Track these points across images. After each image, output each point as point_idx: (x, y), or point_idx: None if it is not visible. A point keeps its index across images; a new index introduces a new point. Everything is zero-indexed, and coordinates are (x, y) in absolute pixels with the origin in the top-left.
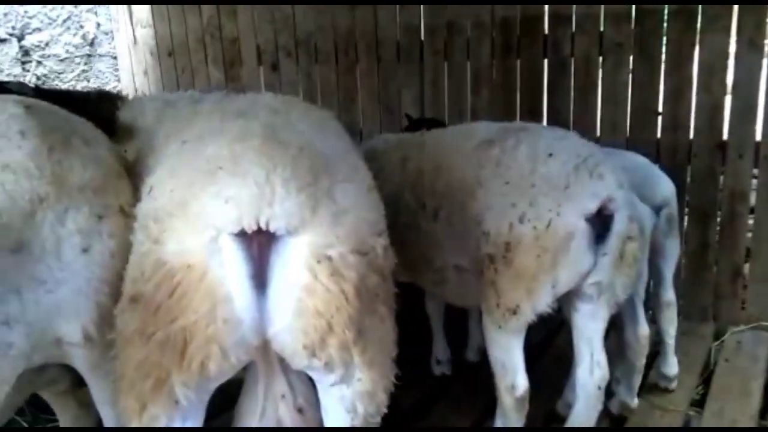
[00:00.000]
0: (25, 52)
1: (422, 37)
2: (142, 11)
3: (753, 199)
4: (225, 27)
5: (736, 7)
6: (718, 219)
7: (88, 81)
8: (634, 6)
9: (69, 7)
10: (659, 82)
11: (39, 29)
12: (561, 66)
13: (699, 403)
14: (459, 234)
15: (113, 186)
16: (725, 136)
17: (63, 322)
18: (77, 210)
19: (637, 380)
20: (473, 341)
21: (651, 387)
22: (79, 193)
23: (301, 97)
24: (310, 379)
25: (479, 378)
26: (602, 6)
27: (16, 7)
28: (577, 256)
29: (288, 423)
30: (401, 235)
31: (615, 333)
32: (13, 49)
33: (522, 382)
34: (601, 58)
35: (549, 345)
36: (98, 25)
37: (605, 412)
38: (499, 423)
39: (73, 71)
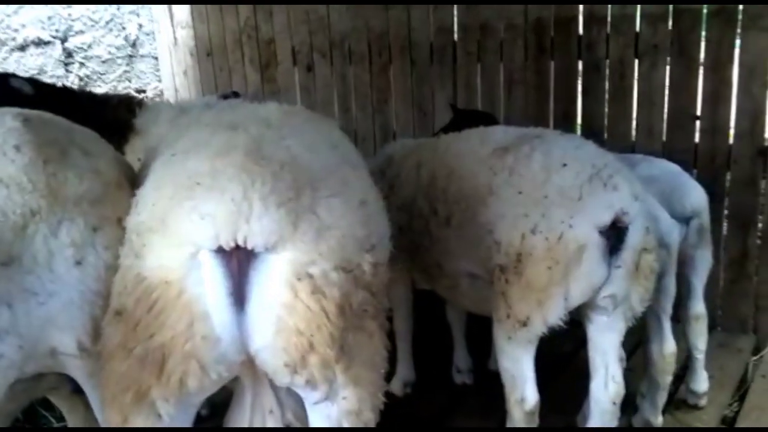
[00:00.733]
0: (69, 54)
1: (455, 39)
2: (183, 12)
3: None
4: (261, 28)
5: None
6: (759, 227)
7: (130, 81)
8: (671, 6)
9: (111, 9)
10: (697, 84)
11: (82, 31)
12: (595, 68)
13: (731, 422)
14: (471, 242)
15: (111, 197)
16: (767, 142)
17: (57, 333)
18: (71, 222)
19: (662, 398)
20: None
21: (680, 403)
22: (74, 206)
23: (335, 99)
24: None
25: (500, 388)
26: (638, 6)
27: (59, 9)
28: (590, 268)
29: None
30: (415, 241)
31: (643, 348)
32: (56, 51)
33: (532, 396)
34: (636, 60)
35: (575, 356)
36: (140, 26)
37: (628, 428)
38: None
39: (114, 72)
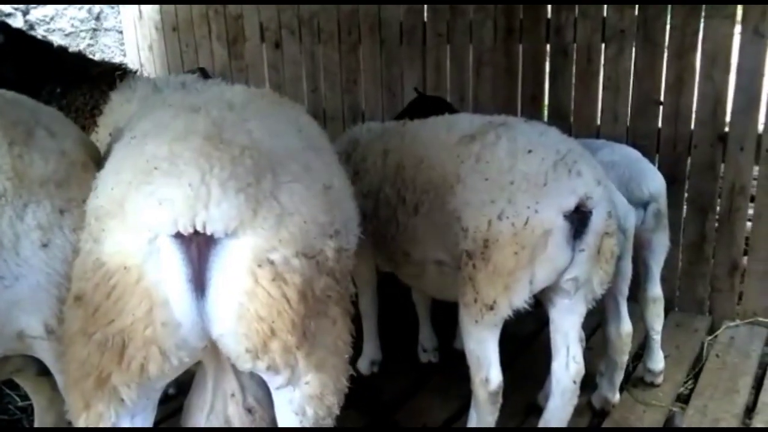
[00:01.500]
0: (30, 26)
1: (425, 19)
2: None
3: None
4: (228, 3)
5: None
6: (717, 212)
7: (94, 56)
8: None
9: None
10: (661, 70)
11: (44, 3)
12: (563, 52)
13: (686, 399)
14: (439, 229)
15: (78, 179)
16: (727, 128)
17: (23, 316)
18: (37, 205)
19: (619, 376)
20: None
21: (637, 381)
22: (40, 188)
23: (304, 77)
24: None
25: (465, 367)
26: None
27: None
28: (555, 252)
29: (236, 422)
30: (381, 228)
31: (602, 329)
32: (18, 22)
33: (495, 377)
34: (603, 45)
35: (537, 337)
36: None
37: (587, 406)
38: (473, 416)
39: (78, 45)
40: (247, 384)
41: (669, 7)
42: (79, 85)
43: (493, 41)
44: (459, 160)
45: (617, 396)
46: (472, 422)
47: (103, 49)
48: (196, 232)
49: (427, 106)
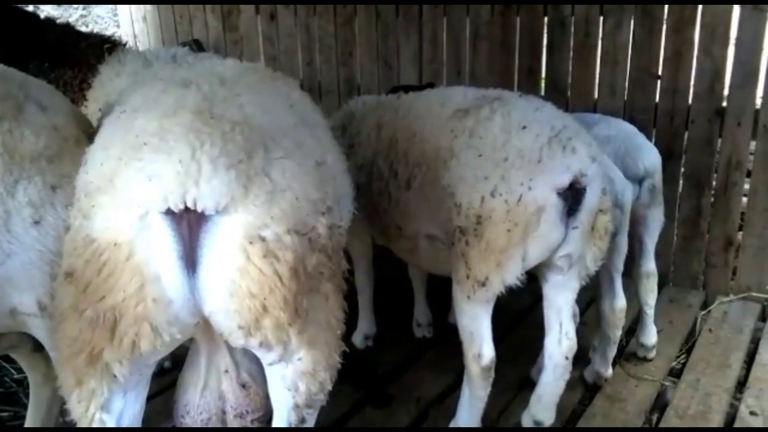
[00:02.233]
0: None
1: None
2: None
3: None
4: None
5: None
6: (713, 187)
7: (87, 26)
8: None
9: None
10: (660, 44)
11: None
12: (561, 25)
13: (678, 373)
14: (431, 204)
15: (70, 155)
16: (725, 103)
17: (16, 293)
18: (29, 181)
19: (612, 351)
20: None
21: (629, 355)
22: (31, 164)
23: (299, 49)
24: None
25: (459, 341)
26: None
27: None
28: (548, 229)
29: (230, 397)
30: (374, 201)
31: (596, 304)
32: None
33: (488, 352)
34: (601, 18)
35: (531, 312)
36: None
37: (579, 380)
38: (465, 390)
39: (71, 16)
40: (241, 360)
41: None
42: (67, 59)
43: (491, 14)
44: (453, 135)
45: (610, 370)
46: (465, 396)
47: (96, 20)
48: (186, 209)
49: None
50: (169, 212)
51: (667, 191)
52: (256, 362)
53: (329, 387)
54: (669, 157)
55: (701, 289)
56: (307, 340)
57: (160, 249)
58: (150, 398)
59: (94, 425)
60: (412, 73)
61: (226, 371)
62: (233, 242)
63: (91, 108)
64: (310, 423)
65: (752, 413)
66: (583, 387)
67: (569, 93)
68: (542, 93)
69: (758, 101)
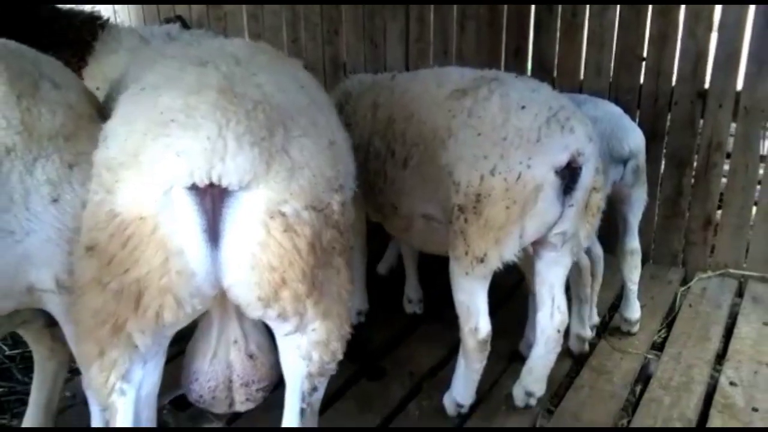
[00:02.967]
0: None
1: None
2: None
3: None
4: None
5: None
6: (694, 167)
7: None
8: None
9: None
10: (645, 25)
11: None
12: (548, 5)
13: (660, 347)
14: (429, 183)
15: (85, 132)
16: (707, 85)
17: (34, 270)
18: (47, 159)
19: (586, 310)
20: None
21: (613, 330)
22: (49, 142)
23: (284, 27)
24: (266, 326)
25: (451, 315)
26: None
27: None
28: (545, 207)
29: (238, 367)
30: (370, 180)
31: None
32: None
33: (485, 326)
34: None
35: (519, 287)
36: None
37: (566, 352)
38: (461, 363)
39: None
40: (250, 331)
41: None
42: (65, 38)
43: None
44: (450, 115)
45: (589, 332)
46: (461, 369)
47: None
48: (210, 185)
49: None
50: (193, 187)
51: (650, 171)
52: (263, 334)
53: (340, 356)
54: (652, 137)
55: (680, 266)
56: (321, 311)
57: (184, 223)
58: None
59: (114, 395)
60: (399, 52)
61: (236, 342)
62: (255, 217)
63: (88, 85)
64: (320, 391)
65: (732, 383)
66: (571, 360)
67: (555, 73)
68: (528, 73)
69: (739, 84)
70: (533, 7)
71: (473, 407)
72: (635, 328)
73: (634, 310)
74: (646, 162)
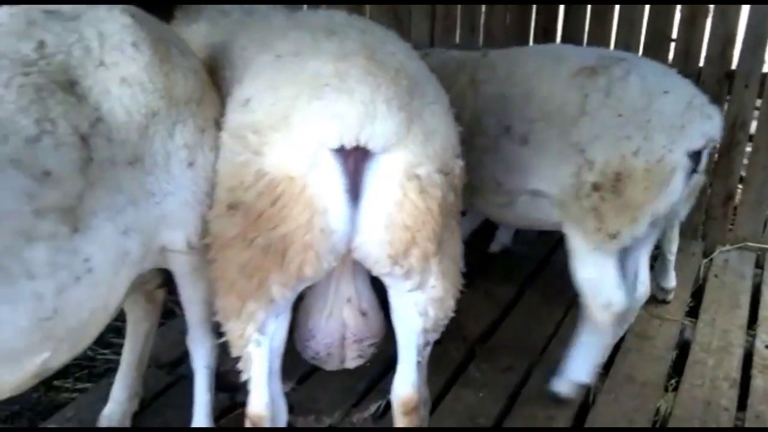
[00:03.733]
0: None
1: None
2: None
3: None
4: None
5: None
6: (718, 145)
7: None
8: None
9: None
10: (676, 7)
11: None
12: None
13: (692, 314)
14: (549, 160)
15: (209, 98)
16: (734, 66)
17: (168, 231)
18: (184, 124)
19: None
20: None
21: (650, 299)
22: (185, 107)
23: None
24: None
25: (486, 287)
26: None
27: None
28: (676, 188)
29: (352, 324)
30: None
31: None
32: None
33: (618, 299)
34: None
35: (549, 260)
36: None
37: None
38: (591, 341)
39: None
40: (362, 290)
41: None
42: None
43: None
44: (583, 93)
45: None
46: (582, 348)
47: None
48: (356, 147)
49: None
50: (340, 149)
51: None
52: (373, 293)
53: (452, 314)
54: None
55: (700, 240)
56: (442, 269)
57: (329, 183)
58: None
59: (251, 346)
60: (424, 29)
61: (349, 300)
62: (394, 179)
63: None
64: (429, 349)
65: (767, 346)
66: None
67: None
68: None
69: (766, 66)
70: None
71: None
72: (670, 296)
73: (670, 279)
74: None
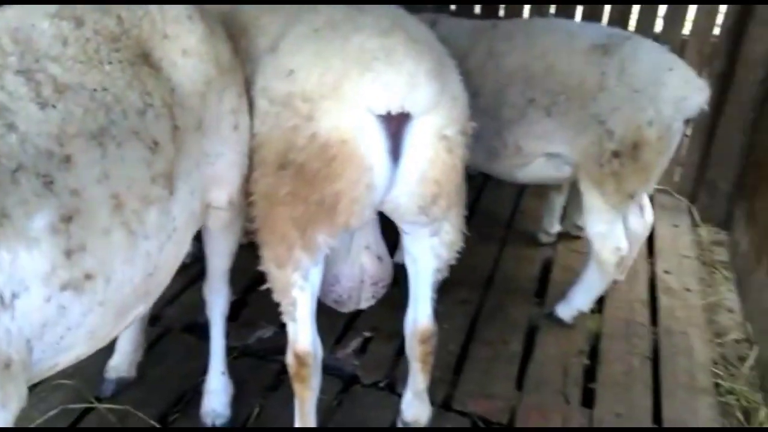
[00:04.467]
0: None
1: None
2: None
3: None
4: None
5: None
6: None
7: None
8: None
9: None
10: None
11: None
12: None
13: None
14: (572, 130)
15: (241, 66)
16: None
17: (215, 189)
18: (229, 90)
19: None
20: None
21: (568, 235)
22: (229, 75)
23: None
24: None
25: None
26: None
27: None
28: (673, 150)
29: (369, 268)
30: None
31: None
32: None
33: (625, 244)
34: None
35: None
36: None
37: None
38: (595, 278)
39: None
40: (377, 238)
41: None
42: None
43: None
44: (600, 71)
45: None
46: (587, 284)
47: None
48: (400, 113)
49: None
50: (386, 115)
51: None
52: (384, 241)
53: (457, 255)
54: None
55: None
56: (454, 216)
57: (376, 145)
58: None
59: (296, 291)
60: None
61: (368, 247)
62: (428, 139)
63: None
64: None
65: (666, 272)
66: (540, 263)
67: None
68: None
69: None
70: None
71: None
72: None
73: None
74: None
